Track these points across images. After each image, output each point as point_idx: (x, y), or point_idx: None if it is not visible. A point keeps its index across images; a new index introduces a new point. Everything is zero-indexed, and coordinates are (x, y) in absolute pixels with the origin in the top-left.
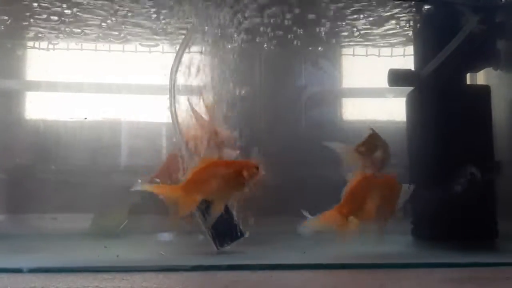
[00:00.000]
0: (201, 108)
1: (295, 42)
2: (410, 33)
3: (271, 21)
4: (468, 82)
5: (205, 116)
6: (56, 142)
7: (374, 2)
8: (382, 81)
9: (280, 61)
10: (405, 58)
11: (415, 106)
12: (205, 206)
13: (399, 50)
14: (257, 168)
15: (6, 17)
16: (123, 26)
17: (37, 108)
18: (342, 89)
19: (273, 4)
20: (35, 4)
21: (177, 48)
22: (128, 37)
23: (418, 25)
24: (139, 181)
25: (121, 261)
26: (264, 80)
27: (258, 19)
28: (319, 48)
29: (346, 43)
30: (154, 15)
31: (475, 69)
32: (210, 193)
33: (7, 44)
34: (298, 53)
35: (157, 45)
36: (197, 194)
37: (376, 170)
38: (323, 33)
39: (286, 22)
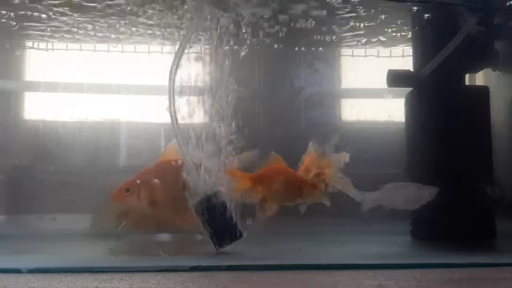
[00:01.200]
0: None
1: (294, 43)
2: (409, 33)
3: (269, 21)
4: (466, 83)
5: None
6: (55, 143)
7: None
8: (381, 82)
9: (278, 62)
10: (404, 59)
11: (414, 106)
12: (205, 206)
13: (398, 50)
14: (315, 187)
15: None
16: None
17: (36, 109)
18: (341, 89)
19: (272, 4)
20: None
21: (176, 49)
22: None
23: (417, 26)
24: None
25: (120, 262)
26: (263, 81)
27: (256, 20)
28: (319, 49)
29: (345, 44)
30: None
31: (473, 70)
32: (269, 192)
33: (5, 45)
34: (297, 53)
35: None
36: (261, 187)
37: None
38: (322, 33)
39: (284, 22)
